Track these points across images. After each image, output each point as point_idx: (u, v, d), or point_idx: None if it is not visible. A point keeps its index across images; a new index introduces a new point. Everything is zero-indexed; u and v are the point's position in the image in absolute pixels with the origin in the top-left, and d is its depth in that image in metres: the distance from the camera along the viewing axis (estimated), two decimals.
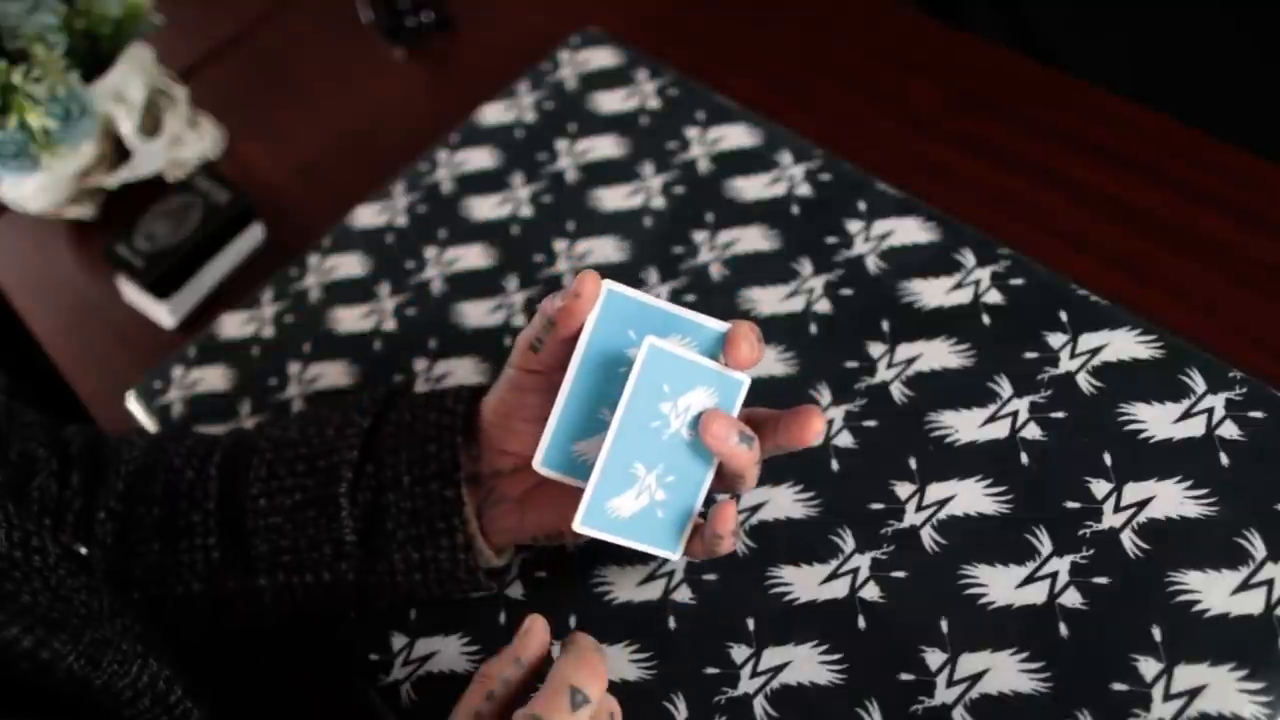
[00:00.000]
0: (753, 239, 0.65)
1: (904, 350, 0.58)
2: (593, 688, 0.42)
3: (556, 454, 0.48)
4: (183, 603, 0.54)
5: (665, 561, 0.54)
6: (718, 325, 0.47)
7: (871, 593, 0.51)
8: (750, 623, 0.52)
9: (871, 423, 0.56)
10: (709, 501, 0.49)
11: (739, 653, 0.51)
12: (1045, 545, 0.51)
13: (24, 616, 0.41)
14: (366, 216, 0.75)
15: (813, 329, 0.61)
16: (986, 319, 0.58)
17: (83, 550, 0.53)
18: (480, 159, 0.76)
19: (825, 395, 0.58)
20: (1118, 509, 0.51)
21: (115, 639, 0.45)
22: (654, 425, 0.46)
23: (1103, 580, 0.49)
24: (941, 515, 0.53)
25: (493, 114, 0.78)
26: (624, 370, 0.47)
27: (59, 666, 0.42)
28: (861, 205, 0.65)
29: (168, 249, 0.76)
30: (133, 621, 0.48)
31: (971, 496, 0.53)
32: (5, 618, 0.41)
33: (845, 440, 0.56)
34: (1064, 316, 0.57)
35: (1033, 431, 0.54)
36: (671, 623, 0.53)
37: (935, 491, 0.53)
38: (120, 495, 0.55)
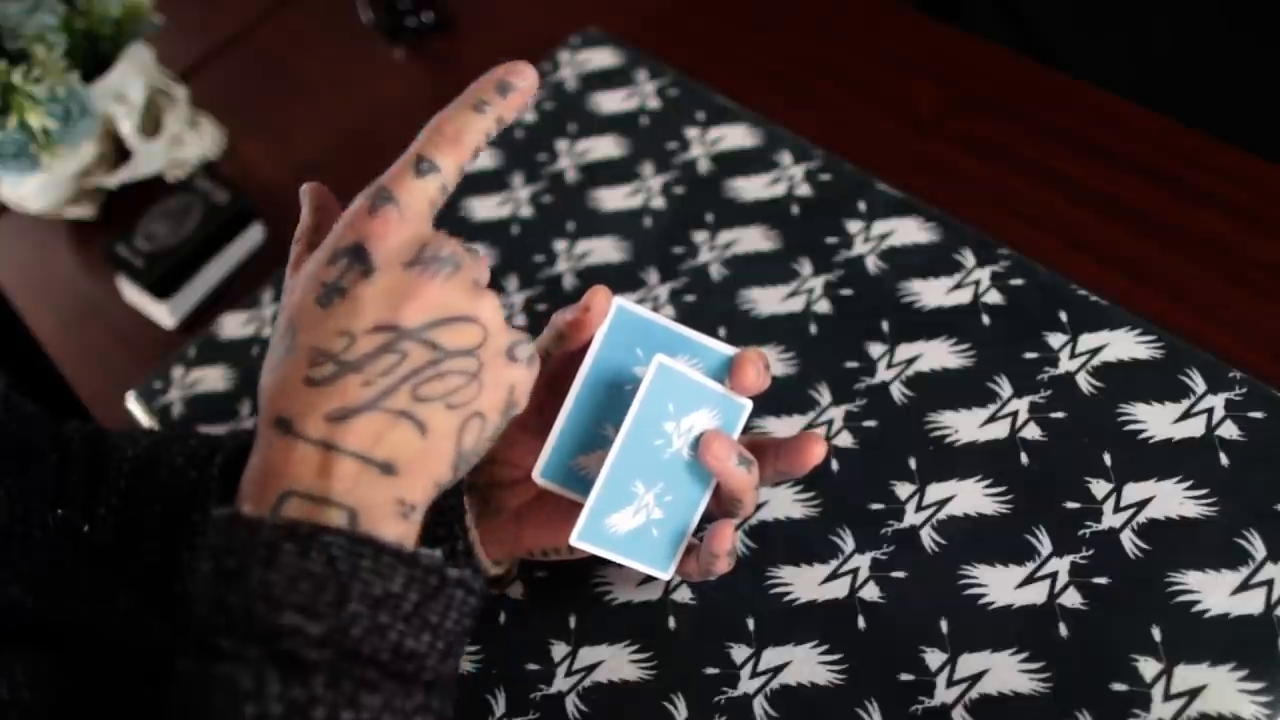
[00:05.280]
0: (753, 239, 0.65)
1: (904, 350, 0.58)
2: (444, 158, 0.41)
3: (556, 466, 0.48)
4: (181, 600, 0.54)
5: None
6: (725, 349, 0.48)
7: (871, 593, 0.52)
8: (750, 623, 0.52)
9: (871, 423, 0.56)
10: (704, 525, 0.49)
11: (739, 653, 0.52)
12: (1045, 545, 0.51)
13: (27, 581, 0.41)
14: None
15: (813, 329, 0.61)
16: (986, 319, 0.58)
17: (84, 526, 0.53)
18: (481, 159, 0.76)
19: (825, 395, 0.58)
20: (1118, 509, 0.51)
21: (122, 608, 0.45)
22: (656, 443, 0.46)
23: (1103, 580, 0.49)
24: (941, 515, 0.53)
25: None
26: (629, 388, 0.47)
27: (63, 630, 0.42)
28: (861, 205, 0.65)
29: (168, 249, 0.76)
30: (136, 598, 0.48)
31: (971, 496, 0.53)
32: (9, 574, 0.41)
33: (845, 440, 0.56)
34: (1064, 316, 0.57)
35: (1033, 431, 0.54)
36: (671, 623, 0.53)
37: (935, 491, 0.53)
38: (121, 492, 0.55)
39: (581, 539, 0.46)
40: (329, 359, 0.38)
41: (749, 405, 0.48)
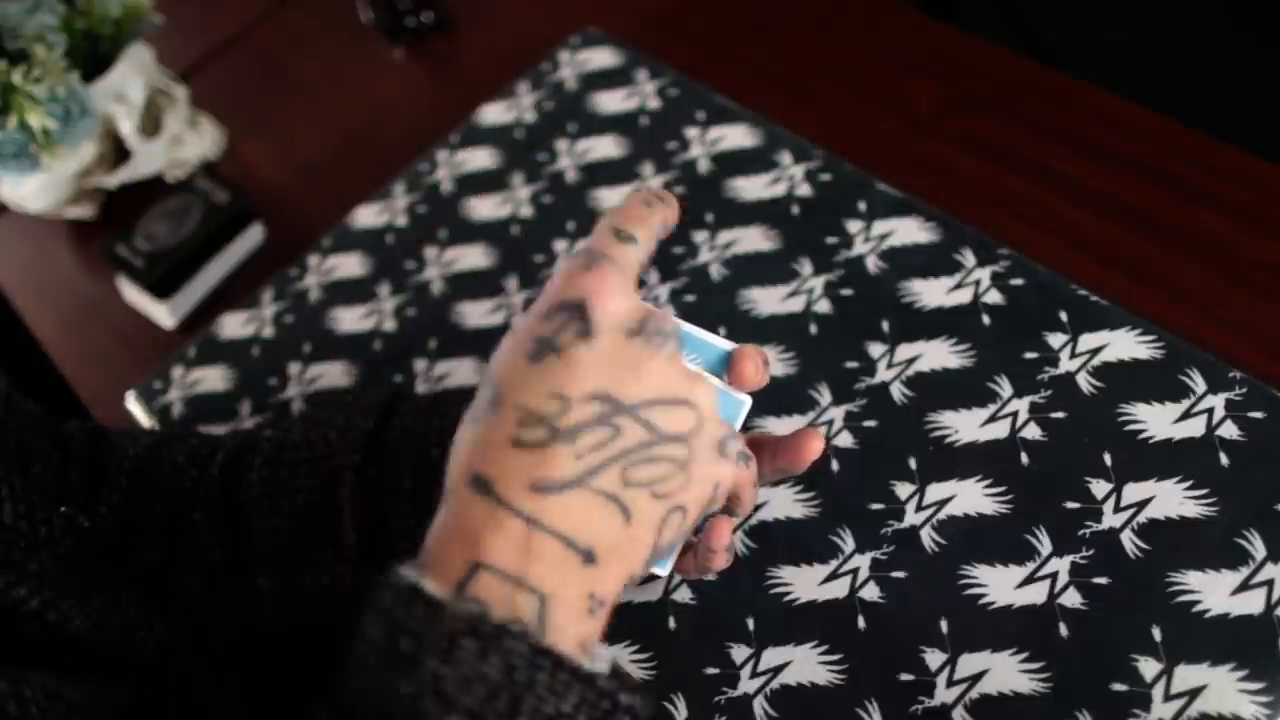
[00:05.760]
0: (753, 239, 0.65)
1: (904, 350, 0.58)
2: (638, 231, 0.39)
3: None
4: (181, 600, 0.54)
5: None
6: (724, 344, 0.48)
7: (871, 593, 0.52)
8: (750, 623, 0.52)
9: (871, 423, 0.56)
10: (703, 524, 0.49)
11: (739, 653, 0.52)
12: (1045, 545, 0.51)
13: (31, 580, 0.41)
14: (366, 216, 0.75)
15: (813, 329, 0.61)
16: (986, 319, 0.58)
17: (86, 523, 0.53)
18: (480, 159, 0.76)
19: (825, 395, 0.58)
20: (1118, 509, 0.51)
21: (124, 605, 0.45)
22: None
23: (1103, 580, 0.49)
24: (941, 515, 0.53)
25: (493, 114, 0.78)
26: None
27: (66, 628, 0.42)
28: (861, 205, 0.65)
29: (168, 249, 0.76)
30: (142, 596, 0.48)
31: (971, 496, 0.53)
32: (14, 577, 0.41)
33: (845, 440, 0.56)
34: (1064, 316, 0.57)
35: (1033, 431, 0.54)
36: (671, 623, 0.53)
37: (935, 491, 0.53)
38: (122, 491, 0.55)
39: None
40: (540, 422, 0.35)
41: (748, 401, 0.48)
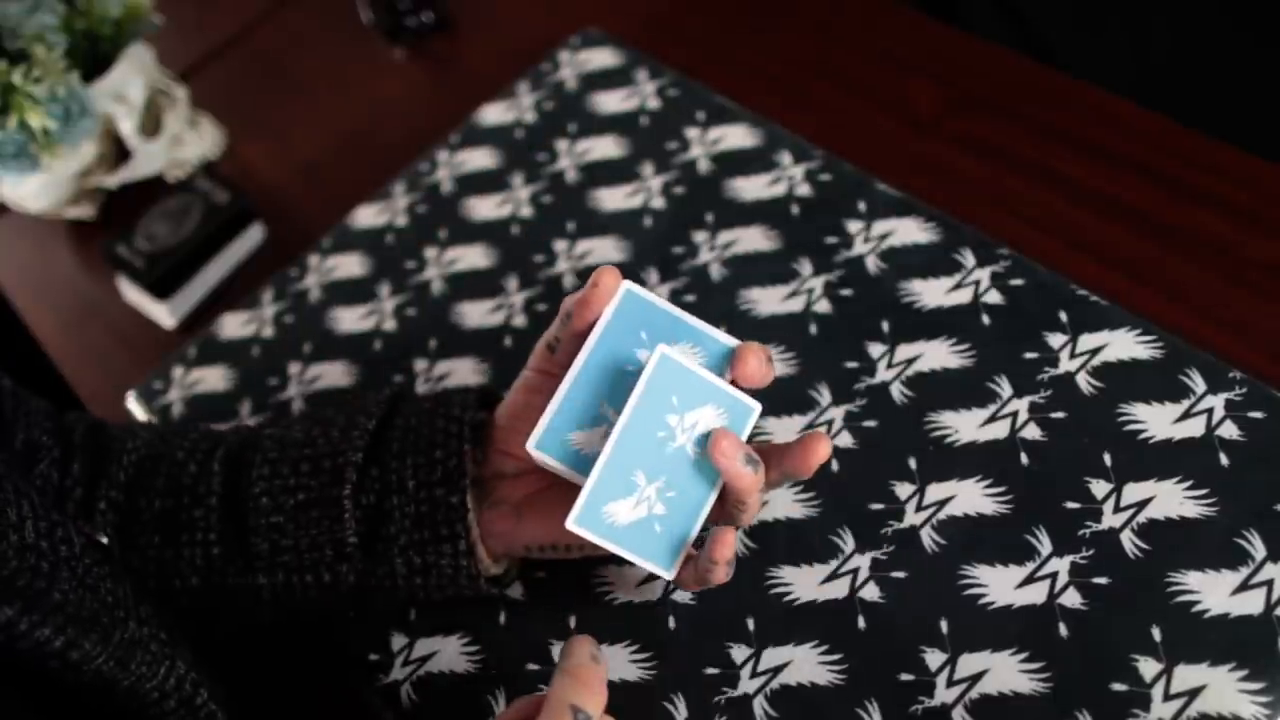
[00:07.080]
0: (753, 239, 0.65)
1: (904, 350, 0.58)
2: (593, 705, 0.41)
3: (552, 440, 0.47)
4: (180, 597, 0.54)
5: None
6: (728, 340, 0.48)
7: (871, 593, 0.52)
8: (750, 623, 0.52)
9: (871, 423, 0.56)
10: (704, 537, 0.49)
11: (739, 653, 0.52)
12: (1045, 545, 0.51)
13: (55, 615, 0.42)
14: (366, 216, 0.75)
15: (813, 329, 0.61)
16: (986, 319, 0.58)
17: (104, 540, 0.53)
18: (480, 159, 0.76)
19: (825, 395, 0.58)
20: (1118, 509, 0.51)
21: (144, 640, 0.45)
22: (659, 436, 0.46)
23: (1103, 580, 0.49)
24: (941, 515, 0.53)
25: (493, 114, 0.78)
26: (631, 369, 0.47)
27: (88, 667, 0.43)
28: (861, 205, 0.65)
29: (168, 249, 0.76)
30: (155, 611, 0.48)
31: (971, 496, 0.53)
32: (38, 617, 0.41)
33: (845, 440, 0.56)
34: (1064, 317, 0.57)
35: (1033, 431, 0.54)
36: (671, 623, 0.53)
37: (935, 491, 0.53)
38: (122, 486, 0.55)
39: (577, 524, 0.46)
40: None
41: (758, 408, 0.48)
